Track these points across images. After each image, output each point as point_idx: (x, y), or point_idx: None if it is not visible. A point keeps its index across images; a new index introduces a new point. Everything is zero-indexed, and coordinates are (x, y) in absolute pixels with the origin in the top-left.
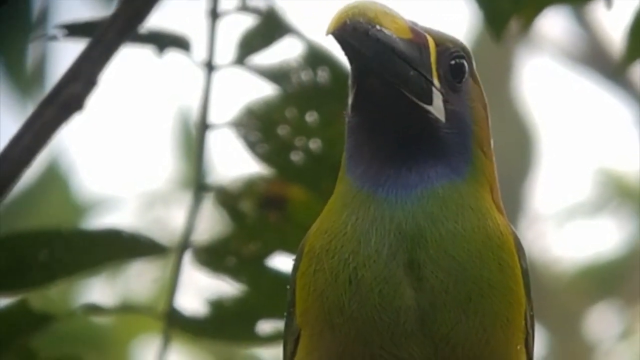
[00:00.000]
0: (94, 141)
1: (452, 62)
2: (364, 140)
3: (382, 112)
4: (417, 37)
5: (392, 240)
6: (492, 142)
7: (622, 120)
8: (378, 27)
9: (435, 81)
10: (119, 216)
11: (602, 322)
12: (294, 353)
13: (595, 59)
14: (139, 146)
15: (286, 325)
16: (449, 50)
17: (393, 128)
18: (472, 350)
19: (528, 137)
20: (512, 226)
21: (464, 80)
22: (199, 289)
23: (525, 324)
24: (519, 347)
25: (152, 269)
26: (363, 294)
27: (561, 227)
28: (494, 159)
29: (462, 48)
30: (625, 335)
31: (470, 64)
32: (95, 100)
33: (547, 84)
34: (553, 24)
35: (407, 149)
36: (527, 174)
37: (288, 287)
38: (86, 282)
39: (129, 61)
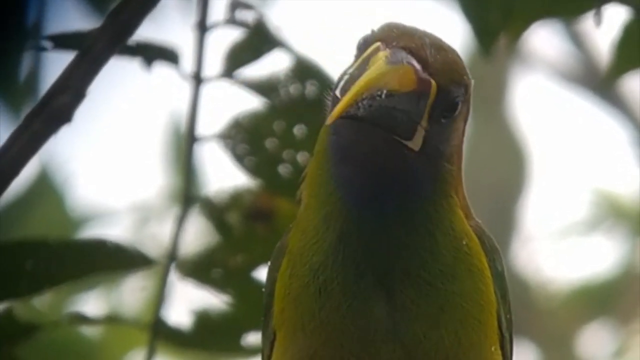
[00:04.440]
0: (83, 154)
1: (449, 102)
2: (344, 156)
3: (360, 141)
4: (421, 86)
5: (359, 259)
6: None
7: (617, 139)
8: (383, 93)
9: (424, 122)
10: (110, 229)
11: (595, 341)
12: (270, 357)
13: (590, 78)
14: (129, 159)
15: (263, 330)
16: (451, 94)
17: (368, 154)
18: (444, 353)
19: (522, 156)
20: (480, 225)
21: (454, 115)
22: (191, 302)
23: (500, 326)
24: (493, 349)
25: (145, 282)
26: (332, 305)
27: (555, 246)
28: (461, 160)
29: (466, 86)
30: (619, 354)
31: (466, 94)
32: (84, 112)
33: (541, 102)
34: (547, 42)
35: (380, 174)
36: (521, 193)
37: (264, 290)
38: (80, 295)
39: (119, 73)
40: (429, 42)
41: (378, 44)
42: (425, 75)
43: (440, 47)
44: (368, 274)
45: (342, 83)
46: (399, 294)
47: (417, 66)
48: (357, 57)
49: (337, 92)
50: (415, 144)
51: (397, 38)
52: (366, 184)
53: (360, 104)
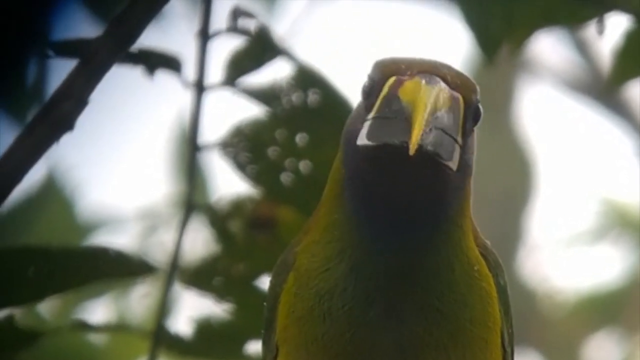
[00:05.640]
0: (90, 160)
1: (473, 112)
2: (365, 177)
3: (390, 178)
4: (454, 102)
5: (370, 290)
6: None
7: (623, 149)
8: (438, 114)
9: (459, 138)
10: (117, 236)
11: (601, 351)
12: None
13: (595, 86)
14: (136, 166)
15: (264, 343)
16: (473, 103)
17: (404, 177)
18: None
19: (527, 164)
20: (485, 242)
21: (478, 123)
22: (193, 310)
23: (503, 341)
24: None
25: (149, 289)
26: (336, 332)
27: (561, 256)
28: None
29: (478, 91)
30: None
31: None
32: (90, 119)
33: (546, 111)
34: (552, 51)
35: (412, 197)
36: (527, 202)
37: (265, 303)
38: (87, 303)
39: (122, 80)
40: (434, 62)
41: (394, 77)
42: (453, 92)
43: (443, 64)
44: (378, 305)
45: (366, 130)
46: (410, 323)
47: (444, 85)
48: (367, 102)
49: (364, 141)
50: (454, 163)
51: (408, 68)
52: (390, 224)
53: (424, 135)
